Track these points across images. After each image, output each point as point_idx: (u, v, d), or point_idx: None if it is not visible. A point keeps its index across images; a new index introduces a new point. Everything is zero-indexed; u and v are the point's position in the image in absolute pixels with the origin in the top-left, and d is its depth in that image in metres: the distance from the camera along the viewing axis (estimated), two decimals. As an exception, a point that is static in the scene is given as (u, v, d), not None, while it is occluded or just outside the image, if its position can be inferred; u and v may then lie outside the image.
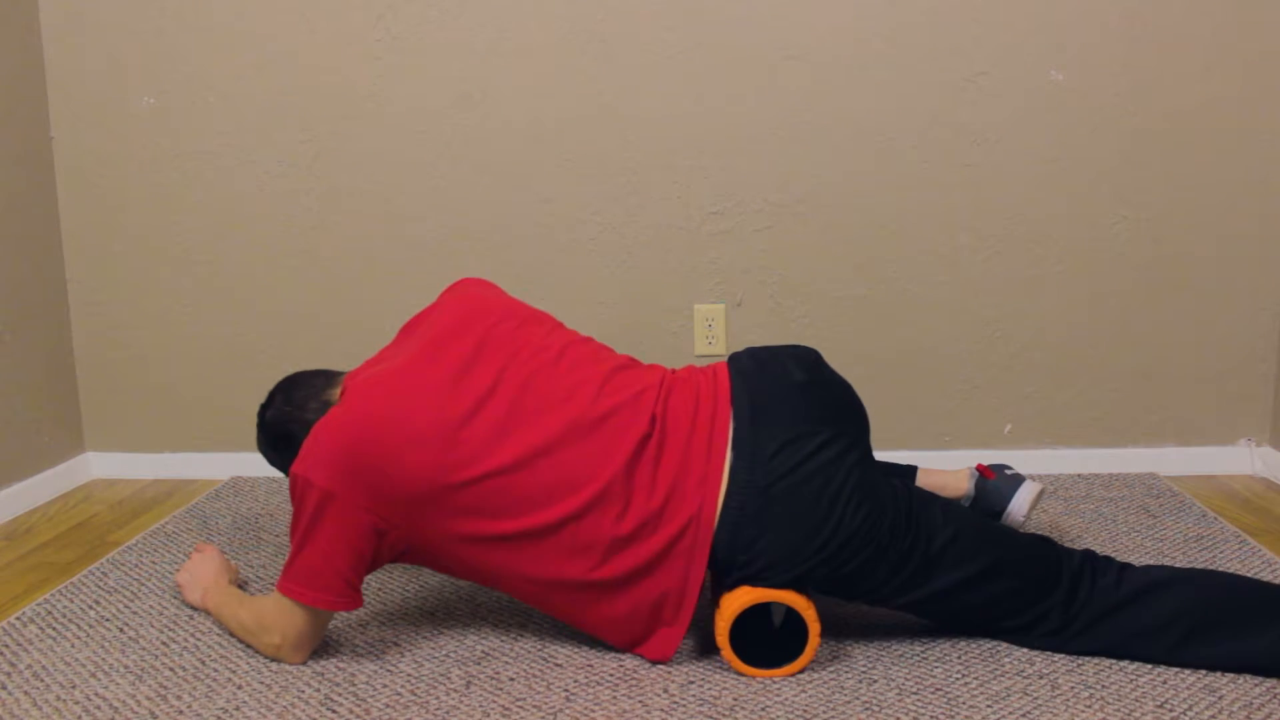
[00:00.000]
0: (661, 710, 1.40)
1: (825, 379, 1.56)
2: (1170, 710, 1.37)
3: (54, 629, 1.68)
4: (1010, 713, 1.38)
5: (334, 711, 1.41)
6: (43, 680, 1.52)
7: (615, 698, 1.44)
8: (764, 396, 1.50)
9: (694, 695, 1.44)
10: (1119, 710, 1.37)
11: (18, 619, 1.72)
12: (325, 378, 1.68)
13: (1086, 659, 1.50)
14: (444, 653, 1.58)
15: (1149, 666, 1.48)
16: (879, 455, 2.31)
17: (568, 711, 1.40)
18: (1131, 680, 1.44)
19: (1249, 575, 1.71)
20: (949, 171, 2.33)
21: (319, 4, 2.34)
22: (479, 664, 1.54)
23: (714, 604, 1.53)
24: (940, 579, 1.47)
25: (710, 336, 2.41)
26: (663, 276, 2.40)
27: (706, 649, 1.57)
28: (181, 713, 1.42)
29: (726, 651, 1.48)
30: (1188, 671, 1.46)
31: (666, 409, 1.51)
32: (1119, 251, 2.35)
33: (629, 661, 1.53)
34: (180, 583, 1.77)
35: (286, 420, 1.65)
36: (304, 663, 1.54)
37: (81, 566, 1.97)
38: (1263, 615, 1.46)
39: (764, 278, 2.39)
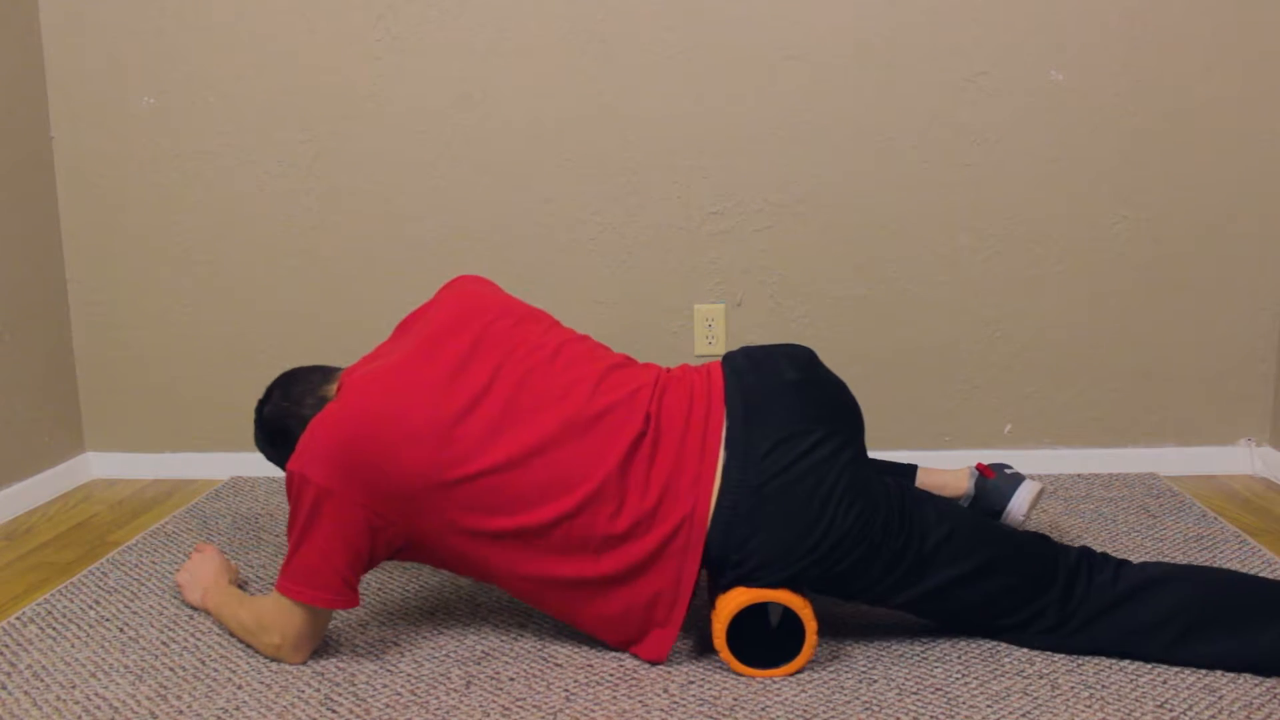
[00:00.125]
0: (661, 710, 1.40)
1: (819, 378, 1.56)
2: (1170, 710, 1.37)
3: (54, 629, 1.68)
4: (1010, 713, 1.38)
5: (334, 711, 1.41)
6: (43, 680, 1.52)
7: (615, 698, 1.44)
8: (757, 395, 1.50)
9: (694, 695, 1.44)
10: (1119, 710, 1.37)
11: (18, 619, 1.72)
12: (322, 374, 1.69)
13: (1086, 659, 1.50)
14: (444, 653, 1.58)
15: (1149, 666, 1.48)
16: (879, 455, 2.32)
17: (568, 711, 1.40)
18: (1131, 680, 1.44)
19: (1261, 578, 1.71)
20: (949, 171, 2.33)
21: (319, 4, 2.34)
22: (479, 664, 1.54)
23: (710, 605, 1.53)
24: (934, 577, 1.47)
25: (710, 336, 2.41)
26: (663, 276, 2.40)
27: (706, 649, 1.57)
28: (181, 713, 1.42)
29: (724, 653, 1.48)
30: (1188, 671, 1.46)
31: (661, 408, 1.51)
32: (1119, 251, 2.35)
33: (629, 661, 1.53)
34: (180, 583, 1.77)
35: (283, 416, 1.65)
36: (304, 662, 1.54)
37: (81, 566, 1.97)
38: (1261, 613, 1.46)
39: (764, 278, 2.39)
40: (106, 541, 2.11)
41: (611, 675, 1.50)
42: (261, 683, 1.49)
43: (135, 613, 1.74)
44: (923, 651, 1.54)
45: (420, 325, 1.63)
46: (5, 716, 1.41)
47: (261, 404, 1.71)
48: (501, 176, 2.39)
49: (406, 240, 2.42)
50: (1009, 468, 1.89)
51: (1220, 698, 1.39)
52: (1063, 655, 1.51)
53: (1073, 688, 1.43)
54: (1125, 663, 1.49)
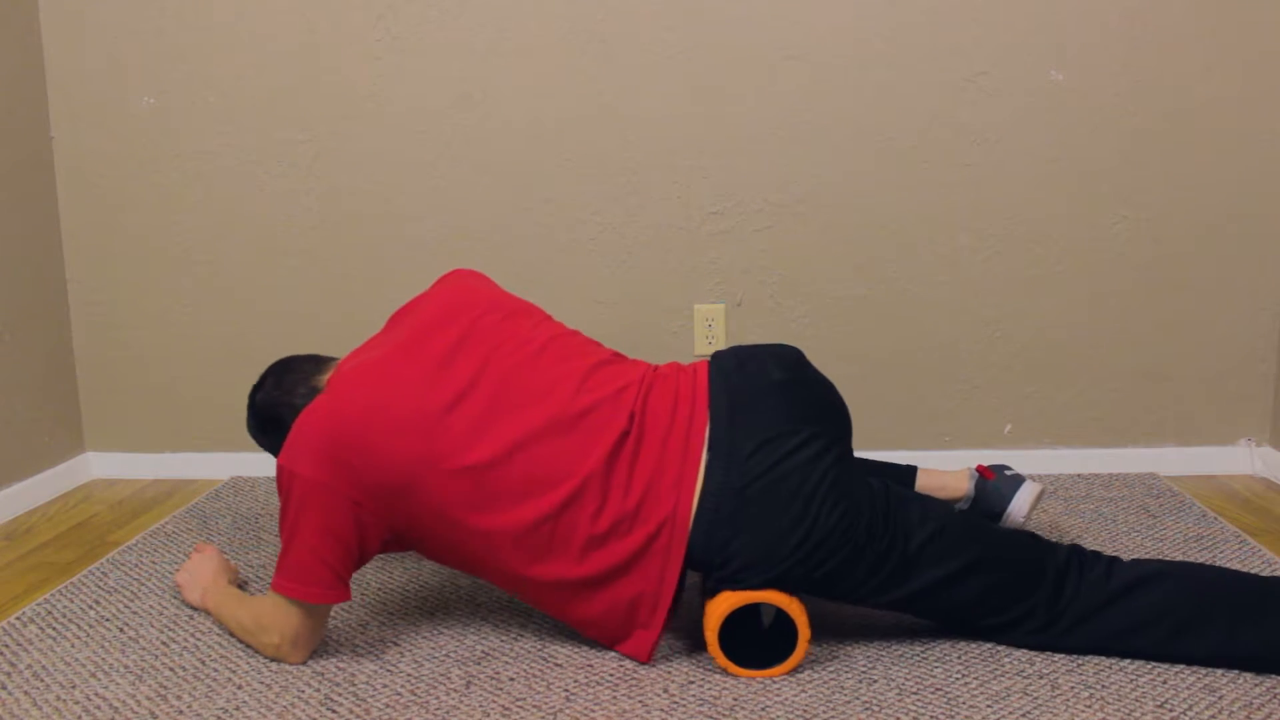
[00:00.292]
0: (661, 710, 1.40)
1: (805, 378, 1.55)
2: (1170, 710, 1.37)
3: (54, 629, 1.68)
4: (1010, 713, 1.38)
5: (334, 711, 1.41)
6: (43, 680, 1.52)
7: (615, 698, 1.44)
8: (743, 396, 1.50)
9: (694, 695, 1.44)
10: (1119, 710, 1.37)
11: (18, 619, 1.72)
12: (316, 363, 1.70)
13: (1086, 659, 1.50)
14: (444, 653, 1.58)
15: (1149, 666, 1.48)
16: (878, 455, 2.32)
17: (568, 711, 1.40)
18: (1131, 680, 1.44)
19: (1252, 574, 1.70)
20: (949, 171, 2.33)
21: (319, 4, 2.34)
22: (479, 664, 1.54)
23: (702, 608, 1.53)
24: (920, 578, 1.46)
25: (710, 336, 2.41)
26: (663, 276, 2.40)
27: (705, 649, 1.56)
28: (181, 713, 1.42)
29: (718, 656, 1.48)
30: (1188, 671, 1.46)
31: (646, 407, 1.50)
32: (1119, 251, 2.35)
33: (629, 661, 1.53)
34: (180, 583, 1.77)
35: (275, 404, 1.67)
36: (304, 662, 1.54)
37: (81, 566, 1.97)
38: (1254, 609, 1.45)
39: (764, 278, 2.39)
40: (106, 541, 2.11)
41: (611, 675, 1.50)
42: (261, 683, 1.49)
43: (135, 613, 1.74)
44: (923, 651, 1.54)
45: (410, 318, 1.63)
46: (5, 716, 1.41)
47: (254, 391, 1.72)
48: (501, 176, 2.39)
49: (406, 240, 2.42)
50: (1009, 469, 1.89)
51: (1220, 697, 1.39)
52: (1063, 655, 1.51)
53: (1073, 688, 1.43)
54: (1125, 663, 1.49)
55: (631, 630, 1.51)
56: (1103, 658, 1.50)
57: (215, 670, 1.53)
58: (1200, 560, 1.86)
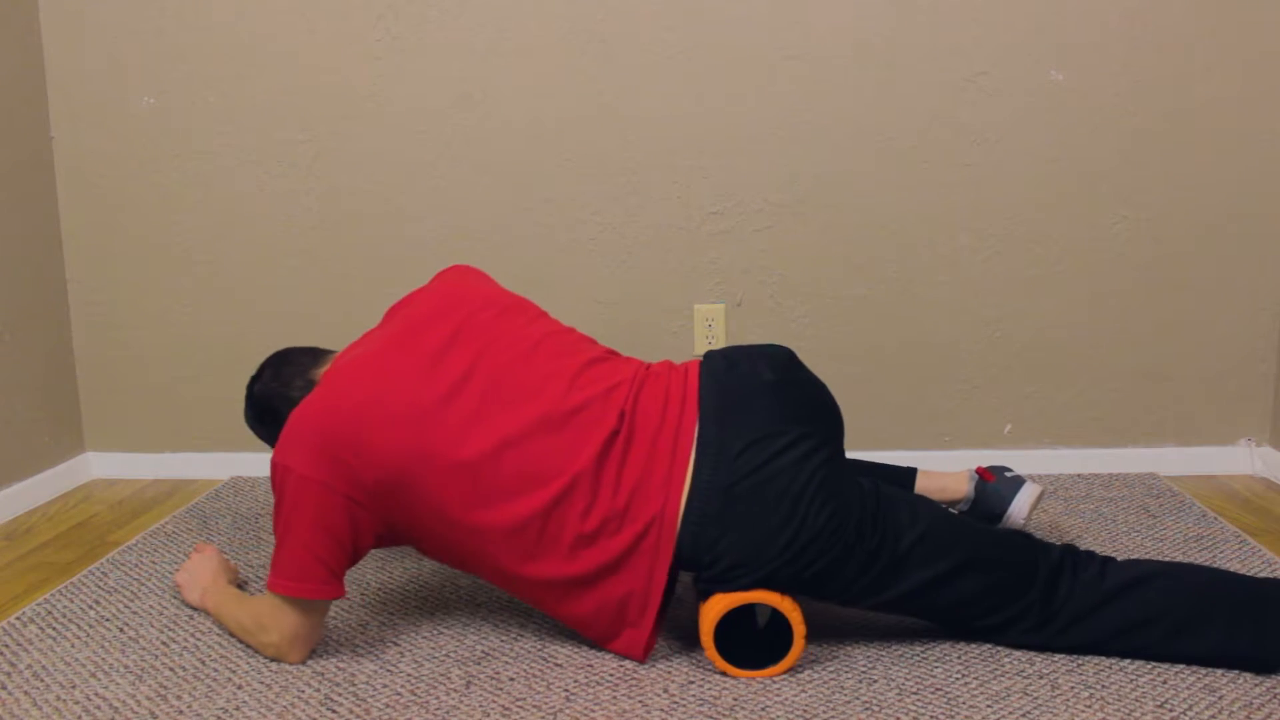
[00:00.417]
0: (661, 710, 1.40)
1: (796, 378, 1.55)
2: (1170, 710, 1.37)
3: (54, 629, 1.68)
4: (1010, 713, 1.38)
5: (334, 711, 1.41)
6: (43, 680, 1.52)
7: (615, 698, 1.44)
8: (733, 396, 1.50)
9: (694, 695, 1.44)
10: (1119, 710, 1.37)
11: (18, 619, 1.72)
12: (313, 356, 1.71)
13: (1086, 659, 1.50)
14: (444, 653, 1.58)
15: (1149, 666, 1.48)
16: (879, 456, 2.32)
17: (568, 711, 1.40)
18: (1131, 680, 1.44)
19: (1247, 575, 1.71)
20: (949, 171, 2.33)
21: (319, 4, 2.34)
22: (479, 664, 1.54)
23: (697, 609, 1.53)
24: (910, 578, 1.46)
25: (710, 336, 2.41)
26: (663, 276, 2.40)
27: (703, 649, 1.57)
28: (181, 713, 1.42)
29: (716, 659, 1.48)
30: (1188, 671, 1.46)
31: (636, 406, 1.50)
32: (1119, 251, 2.35)
33: (629, 662, 1.53)
34: (179, 583, 1.77)
35: (271, 396, 1.69)
36: (304, 661, 1.54)
37: (81, 566, 1.97)
38: (1250, 609, 1.45)
39: (764, 278, 2.39)
40: (106, 541, 2.11)
41: (611, 675, 1.50)
42: (261, 683, 1.49)
43: (135, 613, 1.74)
44: (923, 651, 1.54)
45: (405, 313, 1.63)
46: (5, 716, 1.41)
47: (253, 381, 1.74)
48: (501, 176, 2.39)
49: (406, 240, 2.42)
50: (1009, 470, 1.89)
51: (1220, 698, 1.39)
52: (1063, 655, 1.51)
53: (1073, 688, 1.43)
54: (1125, 663, 1.49)
55: (621, 629, 1.51)
56: (1103, 658, 1.50)
57: (215, 670, 1.53)
58: (1200, 560, 1.86)
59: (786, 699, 1.42)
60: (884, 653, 1.54)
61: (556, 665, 1.53)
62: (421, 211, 2.41)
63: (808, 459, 1.44)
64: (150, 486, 2.48)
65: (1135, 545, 1.94)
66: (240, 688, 1.48)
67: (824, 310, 2.39)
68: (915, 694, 1.43)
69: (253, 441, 2.46)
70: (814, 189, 2.36)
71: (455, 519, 1.46)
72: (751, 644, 1.53)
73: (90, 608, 1.76)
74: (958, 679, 1.46)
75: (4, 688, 1.49)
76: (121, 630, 1.67)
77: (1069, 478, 2.35)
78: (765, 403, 1.48)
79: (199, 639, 1.63)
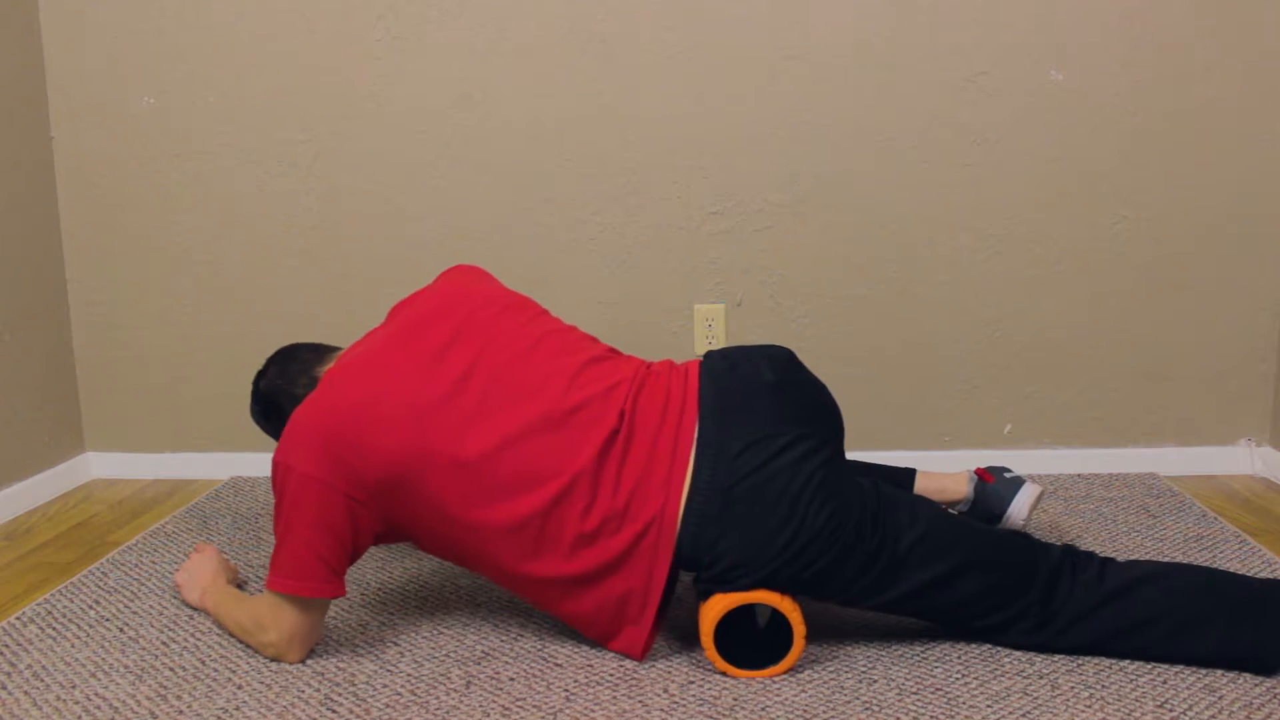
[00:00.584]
0: (661, 710, 1.40)
1: (796, 379, 1.55)
2: (1170, 710, 1.37)
3: (54, 629, 1.68)
4: (1010, 713, 1.38)
5: (334, 711, 1.41)
6: (43, 680, 1.52)
7: (615, 698, 1.44)
8: (733, 396, 1.50)
9: (694, 695, 1.44)
10: (1119, 710, 1.37)
11: (18, 619, 1.72)
12: (318, 353, 1.73)
13: (1086, 659, 1.50)
14: (444, 653, 1.58)
15: (1149, 666, 1.48)
16: (880, 456, 2.32)
17: (568, 711, 1.40)
18: (1131, 680, 1.44)
19: (1246, 575, 1.71)
20: (949, 171, 2.33)
21: (319, 4, 2.34)
22: (479, 664, 1.54)
23: (697, 609, 1.53)
24: (910, 579, 1.46)
25: (710, 336, 2.41)
26: (663, 276, 2.40)
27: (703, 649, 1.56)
28: (181, 713, 1.42)
29: (716, 660, 1.48)
30: (1188, 671, 1.46)
31: (636, 405, 1.50)
32: (1119, 251, 2.35)
33: (629, 661, 1.53)
34: (179, 583, 1.78)
35: (276, 393, 1.71)
36: (303, 661, 1.54)
37: (81, 566, 1.97)
38: (1249, 609, 1.45)
39: (764, 278, 2.39)
40: (106, 541, 2.11)
41: (611, 675, 1.50)
42: (261, 683, 1.49)
43: (135, 613, 1.74)
44: (923, 651, 1.54)
45: (407, 312, 1.63)
46: (5, 716, 1.41)
47: (258, 377, 1.76)
48: (501, 176, 2.39)
49: (406, 240, 2.42)
50: (1009, 471, 1.89)
51: (1220, 698, 1.39)
52: (1063, 655, 1.51)
53: (1073, 688, 1.43)
54: (1125, 663, 1.49)
55: (622, 627, 1.51)
56: (1103, 658, 1.50)
57: (215, 670, 1.53)
58: (1200, 560, 1.86)
59: (786, 699, 1.42)
60: (884, 653, 1.54)
61: (556, 665, 1.53)
62: (421, 211, 2.41)
63: (807, 459, 1.44)
64: (150, 486, 2.48)
65: (1135, 545, 1.94)
66: (240, 688, 1.48)
67: (824, 310, 2.39)
68: (915, 694, 1.43)
69: (253, 441, 2.47)
70: (814, 189, 2.36)
71: (455, 517, 1.47)
72: (751, 644, 1.53)
73: (90, 608, 1.76)
74: (958, 679, 1.46)
75: (4, 688, 1.49)
76: (121, 630, 1.67)
77: (1069, 478, 2.35)
78: (765, 403, 1.48)
79: (199, 639, 1.63)
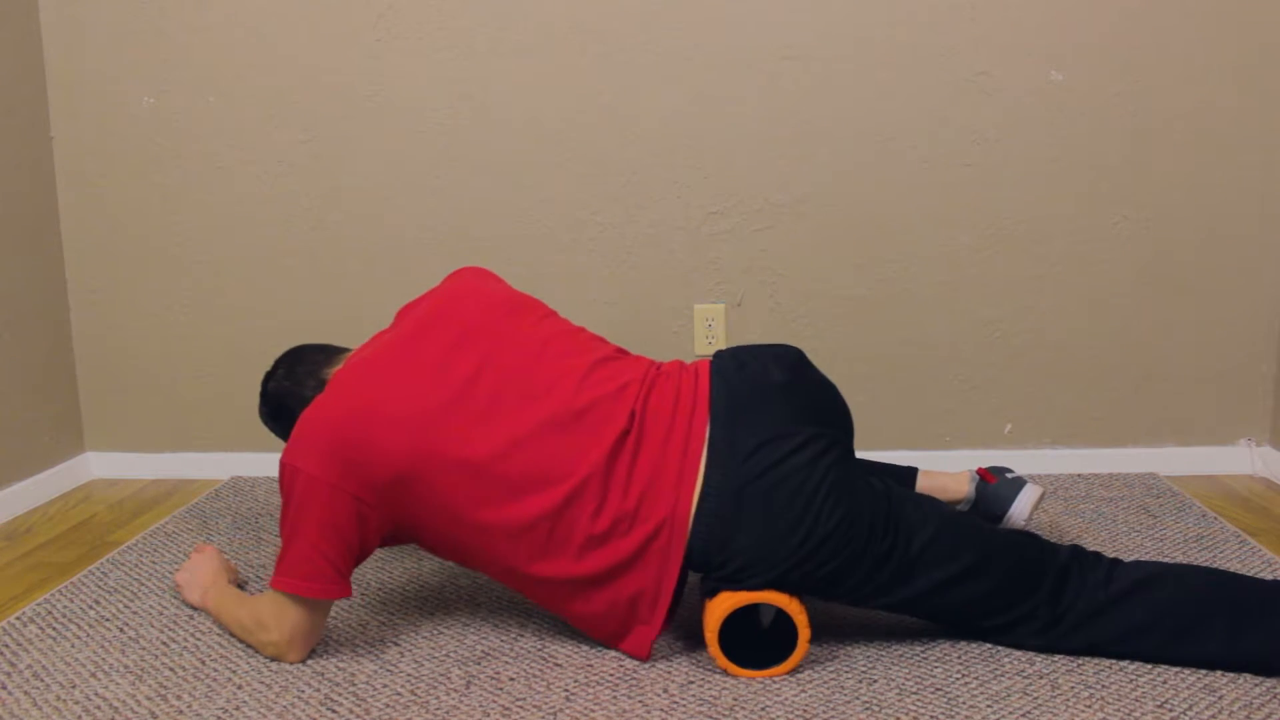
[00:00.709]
0: (661, 710, 1.40)
1: (806, 379, 1.55)
2: (1170, 710, 1.37)
3: (54, 629, 1.68)
4: (1010, 713, 1.38)
5: (334, 711, 1.41)
6: (43, 680, 1.52)
7: (615, 698, 1.44)
8: (742, 397, 1.50)
9: (694, 695, 1.44)
10: (1119, 710, 1.37)
11: (18, 619, 1.72)
12: (326, 354, 1.73)
13: (1086, 659, 1.50)
14: (444, 653, 1.58)
15: (1149, 666, 1.48)
16: (879, 456, 2.32)
17: (568, 711, 1.40)
18: (1131, 680, 1.44)
19: (1253, 577, 1.71)
20: (949, 171, 2.33)
21: (319, 4, 2.34)
22: (479, 664, 1.54)
23: (701, 608, 1.53)
24: (920, 580, 1.46)
25: (710, 336, 2.41)
26: (663, 276, 2.40)
27: (705, 649, 1.56)
28: (181, 713, 1.42)
29: (719, 657, 1.48)
30: (1188, 671, 1.46)
31: (646, 406, 1.50)
32: (1119, 251, 2.35)
33: (629, 661, 1.53)
34: (179, 583, 1.77)
35: (285, 394, 1.71)
36: (303, 661, 1.54)
37: (81, 566, 1.97)
38: (1254, 612, 1.45)
39: (764, 278, 2.39)
40: (106, 541, 2.11)
41: (611, 675, 1.50)
42: (261, 683, 1.49)
43: (135, 613, 1.74)
44: (923, 651, 1.54)
45: (415, 314, 1.63)
46: (5, 716, 1.41)
47: (267, 378, 1.76)
48: (501, 176, 2.39)
49: (406, 240, 2.42)
50: (1010, 471, 1.89)
51: (1220, 698, 1.39)
52: (1063, 655, 1.51)
53: (1073, 688, 1.43)
54: (1125, 663, 1.49)
55: (632, 627, 1.51)
56: (1102, 658, 1.50)
57: (215, 670, 1.53)
58: (1200, 560, 1.86)
59: (786, 699, 1.42)
60: (884, 653, 1.54)
61: (556, 665, 1.53)
62: (421, 212, 2.41)
63: (819, 460, 1.44)
64: (150, 486, 2.48)
65: (1135, 545, 1.94)
66: (240, 688, 1.48)
67: (824, 310, 2.39)
68: (915, 694, 1.43)
69: (253, 441, 2.47)
70: (814, 189, 2.36)
71: (464, 519, 1.47)
72: (754, 644, 1.53)
73: (90, 608, 1.76)
74: (958, 679, 1.46)
75: (4, 688, 1.49)
76: (121, 630, 1.67)
77: (1069, 478, 2.35)
78: (775, 404, 1.49)
79: (199, 639, 1.63)
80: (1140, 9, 2.26)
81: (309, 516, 1.46)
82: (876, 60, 2.30)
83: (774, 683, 1.47)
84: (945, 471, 1.92)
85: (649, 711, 1.40)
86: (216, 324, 2.47)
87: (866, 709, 1.39)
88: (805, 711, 1.39)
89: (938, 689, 1.44)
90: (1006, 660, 1.51)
